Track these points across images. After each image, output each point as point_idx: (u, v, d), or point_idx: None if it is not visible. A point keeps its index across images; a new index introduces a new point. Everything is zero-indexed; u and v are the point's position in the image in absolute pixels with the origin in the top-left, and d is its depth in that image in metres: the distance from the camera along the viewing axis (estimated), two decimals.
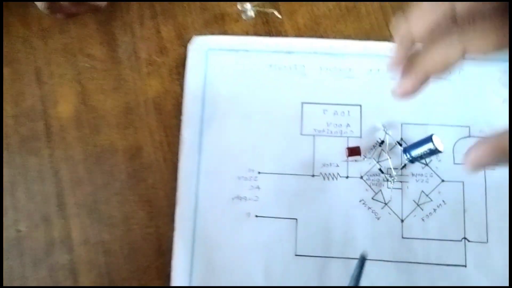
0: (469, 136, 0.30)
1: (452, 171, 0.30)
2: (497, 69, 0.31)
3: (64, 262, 0.31)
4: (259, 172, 0.31)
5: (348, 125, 0.31)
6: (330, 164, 0.30)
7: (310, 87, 0.32)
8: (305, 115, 0.31)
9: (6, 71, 0.34)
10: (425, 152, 0.28)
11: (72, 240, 0.31)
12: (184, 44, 0.33)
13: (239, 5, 0.33)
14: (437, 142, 0.27)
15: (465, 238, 0.29)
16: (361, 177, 0.30)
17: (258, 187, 0.30)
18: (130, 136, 0.32)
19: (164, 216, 0.31)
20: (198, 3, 0.34)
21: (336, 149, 0.31)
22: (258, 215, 0.30)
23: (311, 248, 0.29)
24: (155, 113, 0.32)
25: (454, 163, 0.30)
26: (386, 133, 0.30)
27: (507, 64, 0.31)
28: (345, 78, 0.32)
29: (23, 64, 0.34)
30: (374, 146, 0.31)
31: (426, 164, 0.30)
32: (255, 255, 0.30)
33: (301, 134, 0.31)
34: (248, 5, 0.33)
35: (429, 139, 0.28)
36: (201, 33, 0.33)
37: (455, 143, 0.31)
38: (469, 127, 0.31)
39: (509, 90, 0.31)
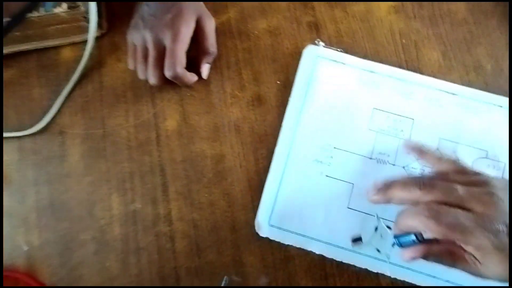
0: (486, 158, 0.43)
1: None
2: None
3: (166, 231, 0.44)
4: (334, 147, 0.44)
5: (402, 130, 0.44)
6: (384, 153, 0.43)
7: (381, 98, 0.45)
8: (374, 116, 0.44)
9: (130, 94, 0.47)
10: (409, 242, 0.34)
11: (172, 216, 0.44)
12: (258, 84, 0.47)
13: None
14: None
15: None
16: (403, 167, 0.43)
17: (331, 157, 0.44)
18: (217, 147, 0.45)
19: (238, 205, 0.44)
20: (270, 58, 0.47)
21: (390, 145, 0.43)
22: (327, 175, 0.43)
23: (359, 206, 0.42)
24: (235, 132, 0.46)
25: None
26: (378, 220, 0.42)
27: None
28: (406, 98, 0.45)
29: (142, 90, 0.47)
30: (374, 231, 0.42)
31: None
32: (320, 204, 0.42)
33: (369, 129, 0.44)
34: (321, 43, 0.46)
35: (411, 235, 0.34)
36: (271, 79, 0.47)
37: (474, 160, 0.43)
38: (487, 151, 0.43)
39: (509, 100, 0.44)
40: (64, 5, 0.42)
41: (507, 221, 0.30)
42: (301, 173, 0.43)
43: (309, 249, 0.42)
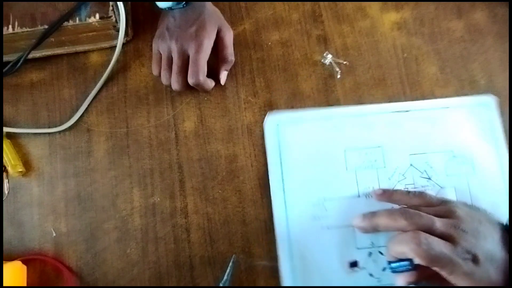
0: (454, 157, 0.47)
1: (446, 181, 0.46)
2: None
3: (182, 223, 0.48)
4: (325, 199, 0.46)
5: (376, 160, 0.47)
6: (368, 187, 0.46)
7: (348, 138, 0.47)
8: (347, 157, 0.47)
9: (151, 97, 0.52)
10: (402, 269, 0.38)
11: (188, 210, 0.48)
12: (270, 91, 0.51)
13: (323, 56, 0.51)
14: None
15: None
16: None
17: (326, 209, 0.46)
18: (230, 148, 0.50)
19: (249, 201, 0.48)
20: (282, 68, 0.52)
21: (370, 178, 0.46)
22: (328, 227, 0.45)
23: (366, 242, 0.44)
24: (247, 135, 0.50)
25: (446, 175, 0.46)
26: (372, 246, 0.45)
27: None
28: (369, 129, 0.48)
29: (163, 94, 0.52)
30: (368, 256, 0.44)
31: (430, 178, 0.46)
32: (331, 254, 0.44)
33: (347, 170, 0.47)
34: (329, 55, 0.51)
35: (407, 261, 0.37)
36: (281, 86, 0.51)
37: (445, 162, 0.46)
38: (452, 151, 0.47)
39: (509, 123, 0.47)
40: (97, 16, 0.46)
41: (472, 251, 0.35)
42: (304, 233, 0.45)
43: None
